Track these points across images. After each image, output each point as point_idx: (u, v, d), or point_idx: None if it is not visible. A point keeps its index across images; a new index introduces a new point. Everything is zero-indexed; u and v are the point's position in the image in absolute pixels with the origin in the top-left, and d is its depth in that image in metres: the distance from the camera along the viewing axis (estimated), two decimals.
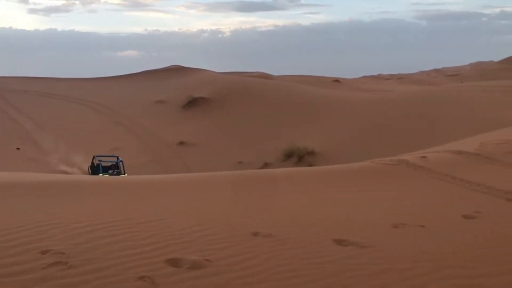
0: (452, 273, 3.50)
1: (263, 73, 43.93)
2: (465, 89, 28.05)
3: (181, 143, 22.17)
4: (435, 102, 24.30)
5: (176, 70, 36.12)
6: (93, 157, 18.21)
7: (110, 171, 17.11)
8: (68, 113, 28.69)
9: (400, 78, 58.54)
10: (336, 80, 45.79)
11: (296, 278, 3.28)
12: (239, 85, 28.41)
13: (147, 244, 3.73)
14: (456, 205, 5.33)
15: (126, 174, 16.33)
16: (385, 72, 65.73)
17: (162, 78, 33.74)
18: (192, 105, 26.75)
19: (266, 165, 17.92)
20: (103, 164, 17.46)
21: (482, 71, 58.65)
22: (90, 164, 18.48)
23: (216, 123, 23.79)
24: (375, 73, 64.66)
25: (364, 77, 61.39)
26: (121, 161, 17.34)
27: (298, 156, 19.86)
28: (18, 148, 22.49)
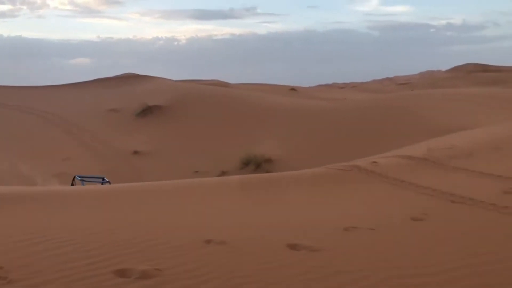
0: (402, 273, 3.60)
1: (220, 81, 43.87)
2: (415, 97, 29.10)
3: (135, 152, 21.62)
4: (386, 109, 25.04)
5: (130, 78, 35.38)
6: (74, 177, 16.41)
7: None
8: (15, 122, 27.50)
9: (353, 86, 60.10)
10: (293, 89, 46.42)
11: (249, 284, 3.26)
12: (195, 93, 28.20)
13: (93, 255, 3.60)
14: (404, 208, 5.50)
15: None
16: (340, 81, 67.19)
17: (115, 86, 32.96)
18: (147, 113, 26.20)
19: (223, 174, 17.81)
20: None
21: (431, 80, 61.16)
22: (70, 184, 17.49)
23: (172, 131, 23.45)
24: (329, 81, 66.02)
25: (319, 85, 62.56)
26: (108, 181, 15.91)
27: (255, 164, 19.88)
28: None
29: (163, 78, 35.77)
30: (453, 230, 4.75)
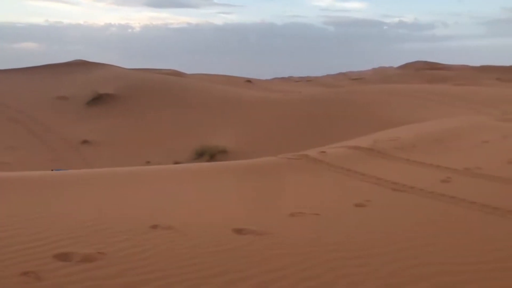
0: (344, 255, 3.74)
1: (175, 70, 43.24)
2: (366, 91, 29.92)
3: (85, 141, 20.92)
4: (339, 103, 25.63)
5: (80, 65, 34.09)
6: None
7: None
8: None
9: (309, 80, 61.00)
10: (248, 81, 46.50)
11: (193, 266, 3.30)
12: (149, 82, 27.65)
13: (35, 239, 3.52)
14: (349, 195, 5.69)
15: None
16: (295, 74, 67.96)
17: (64, 73, 31.66)
18: (97, 101, 25.40)
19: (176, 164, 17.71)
20: None
21: (383, 76, 63.10)
22: None
23: (123, 121, 22.92)
24: (286, 75, 66.64)
25: (275, 78, 63.00)
26: None
27: (210, 155, 19.81)
28: None
29: (115, 66, 34.78)
30: (393, 215, 4.98)
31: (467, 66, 72.26)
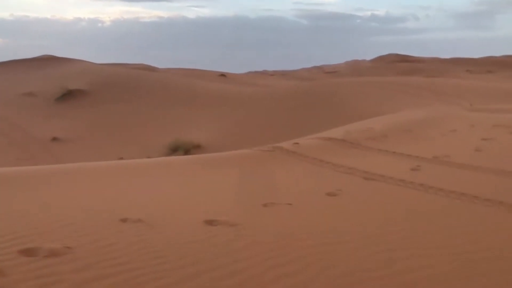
0: (315, 242, 3.77)
1: (147, 65, 42.69)
2: (340, 84, 30.21)
3: (55, 139, 20.39)
4: (313, 96, 25.81)
5: (48, 60, 33.18)
6: None
7: None
8: None
9: (283, 74, 61.19)
10: (222, 75, 46.30)
11: (161, 258, 3.26)
12: (121, 77, 27.19)
13: None
14: (321, 185, 5.74)
15: None
16: (270, 68, 68.10)
17: (31, 69, 30.79)
18: (67, 98, 24.79)
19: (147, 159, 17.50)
20: None
21: (356, 69, 63.85)
22: None
23: (95, 117, 22.48)
24: (260, 69, 66.70)
25: (250, 72, 62.97)
26: None
27: (184, 150, 19.62)
28: None
29: (85, 61, 34.04)
30: (363, 203, 5.04)
31: (437, 58, 73.78)
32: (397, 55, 77.11)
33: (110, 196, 5.17)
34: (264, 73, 62.88)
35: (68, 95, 25.07)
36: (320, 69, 68.61)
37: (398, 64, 65.16)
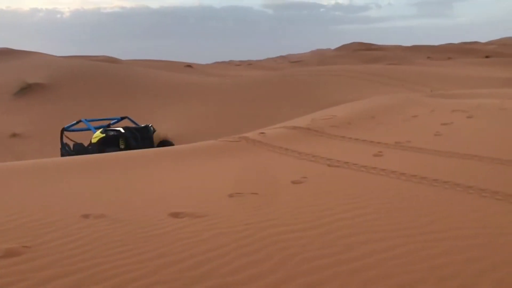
0: (279, 230, 3.81)
1: (109, 57, 41.78)
2: (305, 73, 30.46)
3: (14, 135, 19.70)
4: (279, 85, 25.94)
5: (4, 53, 31.91)
6: (62, 130, 12.55)
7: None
8: None
9: (250, 64, 61.20)
10: (188, 65, 45.86)
11: (125, 252, 3.23)
12: (82, 69, 26.46)
13: None
14: (286, 173, 5.79)
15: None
16: (236, 58, 68.09)
17: None
18: (26, 92, 23.99)
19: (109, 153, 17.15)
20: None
21: (321, 58, 64.56)
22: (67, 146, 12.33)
23: (56, 111, 21.84)
24: (226, 59, 66.56)
25: (216, 63, 62.68)
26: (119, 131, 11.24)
27: None
28: None
29: (44, 54, 32.99)
30: (328, 190, 5.12)
31: (399, 46, 75.41)
32: (360, 43, 78.52)
33: (71, 192, 5.05)
34: (230, 63, 62.73)
35: (27, 89, 24.26)
36: (285, 59, 69.03)
37: (362, 52, 66.30)
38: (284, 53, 71.79)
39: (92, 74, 25.66)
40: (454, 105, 10.07)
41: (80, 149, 12.14)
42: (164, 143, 11.52)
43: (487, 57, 55.13)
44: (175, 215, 4.10)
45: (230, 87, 26.58)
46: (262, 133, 8.49)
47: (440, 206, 4.32)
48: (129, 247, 3.30)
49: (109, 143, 11.09)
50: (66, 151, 12.26)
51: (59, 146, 13.06)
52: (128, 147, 10.90)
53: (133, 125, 12.50)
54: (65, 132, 12.65)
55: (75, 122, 12.70)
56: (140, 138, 11.23)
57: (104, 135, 11.19)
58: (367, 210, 4.34)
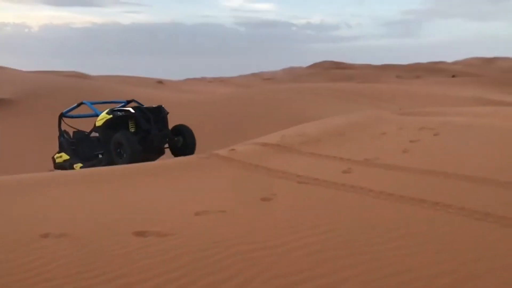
0: (247, 248, 3.75)
1: (78, 72, 41.13)
2: (277, 90, 30.70)
3: None
4: (251, 102, 26.01)
5: None
6: (60, 116, 11.23)
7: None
8: None
9: (222, 81, 61.28)
10: (160, 82, 45.57)
11: (86, 273, 3.10)
12: (49, 85, 25.88)
13: None
14: (255, 190, 5.74)
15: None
16: (208, 75, 68.11)
17: None
18: None
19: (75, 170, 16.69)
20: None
21: (293, 75, 65.34)
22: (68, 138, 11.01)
23: (22, 128, 21.23)
24: (198, 76, 66.49)
25: (188, 79, 62.49)
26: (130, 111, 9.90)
27: None
28: None
29: (9, 68, 32.20)
30: (297, 207, 5.10)
31: (369, 65, 77.17)
32: (331, 62, 79.96)
33: (30, 211, 4.85)
34: (202, 80, 62.66)
35: None
36: (258, 76, 69.50)
37: (333, 71, 67.51)
38: (256, 71, 72.34)
39: (59, 89, 25.08)
40: (422, 123, 10.28)
41: (81, 137, 11.05)
42: (181, 128, 10.47)
43: (453, 76, 56.99)
44: (140, 234, 3.99)
45: (201, 103, 26.50)
46: (233, 149, 8.44)
47: (406, 222, 4.35)
48: (90, 267, 3.17)
49: (117, 126, 9.56)
50: (65, 139, 11.02)
51: (22, 164, 12.47)
52: (139, 130, 9.59)
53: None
54: (63, 118, 11.36)
55: (75, 105, 11.10)
56: (153, 119, 9.77)
57: (110, 116, 9.50)
58: (335, 226, 4.33)
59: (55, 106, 24.69)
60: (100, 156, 10.19)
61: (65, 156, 10.84)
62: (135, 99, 11.50)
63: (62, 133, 11.06)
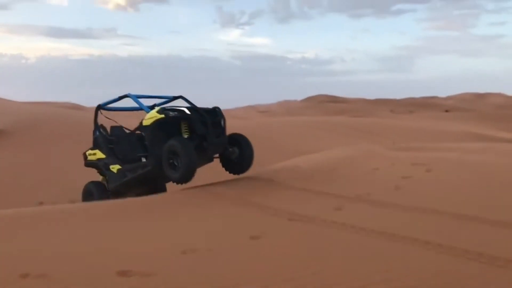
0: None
1: (73, 103, 41.28)
2: (273, 124, 30.85)
3: None
4: (245, 134, 26.09)
5: None
6: (98, 108, 9.50)
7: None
8: None
9: None
10: None
11: None
12: (43, 115, 25.86)
13: None
14: (245, 227, 5.64)
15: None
16: (205, 106, 68.48)
17: None
18: None
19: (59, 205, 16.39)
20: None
21: (288, 108, 65.86)
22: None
23: (14, 158, 21.04)
24: None
25: None
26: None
27: None
28: None
29: (4, 99, 32.21)
30: (286, 245, 5.00)
31: (363, 99, 78.08)
32: (326, 95, 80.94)
33: (9, 249, 4.71)
34: None
35: None
36: (253, 108, 69.99)
37: (327, 104, 68.19)
38: (252, 103, 72.95)
39: (53, 120, 25.01)
40: (414, 159, 10.27)
41: (120, 134, 9.52)
42: (237, 137, 8.80)
43: (446, 111, 57.68)
44: (123, 273, 3.87)
45: None
46: (224, 183, 8.35)
47: (397, 262, 4.26)
48: None
49: (168, 128, 8.05)
50: (101, 135, 9.41)
51: (13, 195, 11.49)
52: (193, 136, 8.00)
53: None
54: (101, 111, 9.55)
55: (116, 97, 9.12)
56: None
57: (162, 115, 7.90)
58: (324, 264, 4.24)
59: (48, 136, 24.63)
60: (143, 159, 8.68)
61: (99, 154, 9.32)
62: (183, 96, 9.61)
63: (98, 128, 9.47)
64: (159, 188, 9.34)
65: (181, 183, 7.92)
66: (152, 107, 8.54)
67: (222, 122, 8.44)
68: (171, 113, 7.93)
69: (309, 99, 76.95)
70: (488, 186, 7.50)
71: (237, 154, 8.66)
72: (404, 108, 63.75)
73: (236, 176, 9.19)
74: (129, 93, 8.83)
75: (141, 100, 8.81)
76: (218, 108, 8.51)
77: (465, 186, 7.66)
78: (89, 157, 9.63)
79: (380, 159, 10.65)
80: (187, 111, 7.98)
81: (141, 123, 8.43)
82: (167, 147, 7.66)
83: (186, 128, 8.06)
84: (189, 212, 6.69)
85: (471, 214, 5.83)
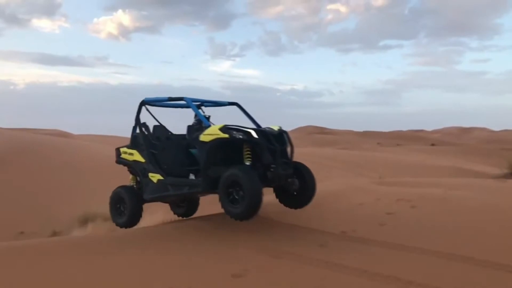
0: None
1: (60, 130, 41.01)
2: None
3: None
4: None
5: None
6: (142, 103, 8.01)
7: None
8: None
9: None
10: None
11: None
12: (27, 143, 25.63)
13: None
14: (226, 265, 5.55)
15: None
16: None
17: None
18: None
19: (55, 234, 16.09)
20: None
21: None
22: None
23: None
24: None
25: None
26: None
27: (94, 223, 18.46)
28: None
29: None
30: (269, 283, 4.92)
31: (351, 131, 78.86)
32: (315, 126, 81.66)
33: None
34: None
35: None
36: None
37: (316, 136, 68.69)
38: None
39: (36, 147, 24.77)
40: (399, 194, 10.31)
41: (166, 141, 8.10)
42: (299, 166, 7.53)
43: (432, 145, 58.44)
44: None
45: None
46: (209, 219, 8.26)
47: None
48: None
49: (228, 151, 6.99)
50: (143, 135, 8.01)
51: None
52: (257, 164, 6.85)
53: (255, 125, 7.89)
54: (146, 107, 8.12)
55: (166, 97, 7.67)
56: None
57: (227, 135, 6.67)
58: None
59: (32, 164, 24.33)
60: (191, 175, 7.34)
61: (138, 157, 8.02)
62: (239, 103, 8.62)
63: (140, 126, 8.00)
64: (194, 203, 8.93)
65: (242, 220, 6.70)
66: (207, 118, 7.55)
67: (290, 150, 7.32)
68: (236, 134, 6.67)
69: (298, 129, 77.48)
70: (469, 224, 7.53)
71: (297, 185, 7.39)
72: (391, 141, 64.40)
73: (221, 212, 9.08)
74: (184, 97, 7.61)
75: (194, 103, 7.79)
76: (285, 132, 7.28)
77: (447, 223, 7.67)
78: (124, 156, 8.35)
79: (366, 194, 10.67)
80: (254, 134, 6.71)
81: (197, 136, 7.03)
82: (227, 177, 6.44)
83: (248, 153, 6.80)
84: (170, 248, 6.56)
85: (453, 253, 5.83)
